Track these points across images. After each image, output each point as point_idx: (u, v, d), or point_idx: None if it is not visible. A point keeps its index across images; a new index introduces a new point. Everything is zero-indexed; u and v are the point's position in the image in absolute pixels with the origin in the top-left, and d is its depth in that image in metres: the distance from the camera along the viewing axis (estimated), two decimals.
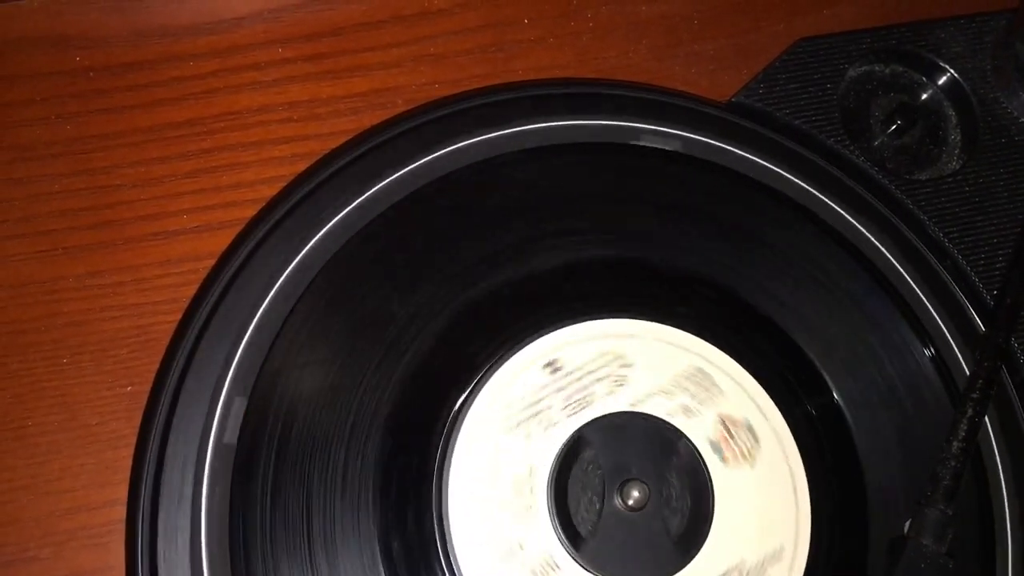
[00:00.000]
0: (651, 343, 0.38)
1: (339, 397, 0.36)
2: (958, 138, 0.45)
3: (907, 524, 0.35)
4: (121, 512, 0.36)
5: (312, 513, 0.34)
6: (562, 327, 0.37)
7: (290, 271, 0.37)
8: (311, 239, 0.38)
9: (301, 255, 0.37)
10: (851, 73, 0.45)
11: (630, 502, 0.35)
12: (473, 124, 0.40)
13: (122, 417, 0.37)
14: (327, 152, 0.41)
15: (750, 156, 0.42)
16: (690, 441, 0.36)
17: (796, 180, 0.42)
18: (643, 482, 0.35)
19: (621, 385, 0.37)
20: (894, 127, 0.44)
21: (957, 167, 0.44)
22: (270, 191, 0.40)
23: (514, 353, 0.37)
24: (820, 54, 0.45)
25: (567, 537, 0.34)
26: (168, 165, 0.41)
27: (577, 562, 0.34)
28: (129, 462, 0.36)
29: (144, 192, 0.40)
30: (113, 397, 0.37)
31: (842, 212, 0.42)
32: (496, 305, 0.38)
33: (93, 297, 0.39)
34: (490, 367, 0.36)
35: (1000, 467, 0.38)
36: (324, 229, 0.38)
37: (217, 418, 0.35)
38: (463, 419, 0.36)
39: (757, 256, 0.40)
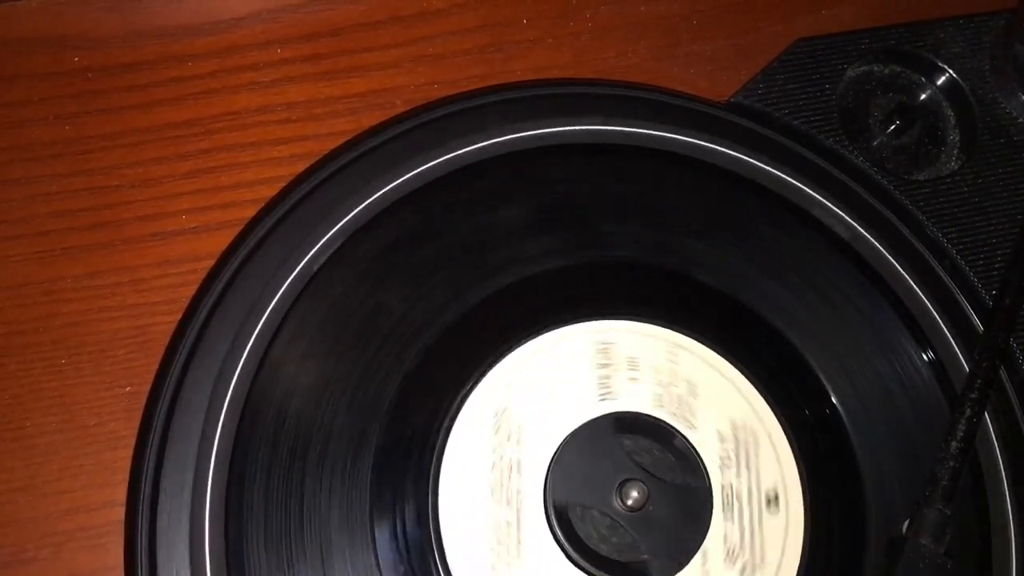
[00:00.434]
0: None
1: (338, 396, 0.36)
2: (957, 138, 0.45)
3: (905, 524, 0.35)
4: (120, 513, 0.36)
5: (311, 512, 0.34)
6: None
7: (289, 271, 0.37)
8: (310, 240, 0.38)
9: (300, 255, 0.37)
10: (850, 73, 0.45)
11: (629, 502, 0.35)
12: (472, 124, 0.40)
13: (121, 418, 0.37)
14: (326, 153, 0.41)
15: (748, 157, 0.42)
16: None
17: (794, 180, 0.42)
18: (641, 482, 0.35)
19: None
20: (893, 127, 0.44)
21: (956, 167, 0.44)
22: (269, 191, 0.40)
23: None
24: (819, 54, 0.45)
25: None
26: (167, 166, 0.41)
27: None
28: (128, 463, 0.36)
29: (143, 193, 0.40)
30: (112, 398, 0.37)
31: (840, 212, 0.41)
32: (498, 305, 0.38)
33: (91, 298, 0.39)
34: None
35: (999, 467, 0.38)
36: (323, 229, 0.38)
37: (215, 418, 0.35)
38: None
39: (753, 257, 0.40)
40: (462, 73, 0.43)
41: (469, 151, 0.40)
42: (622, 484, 0.35)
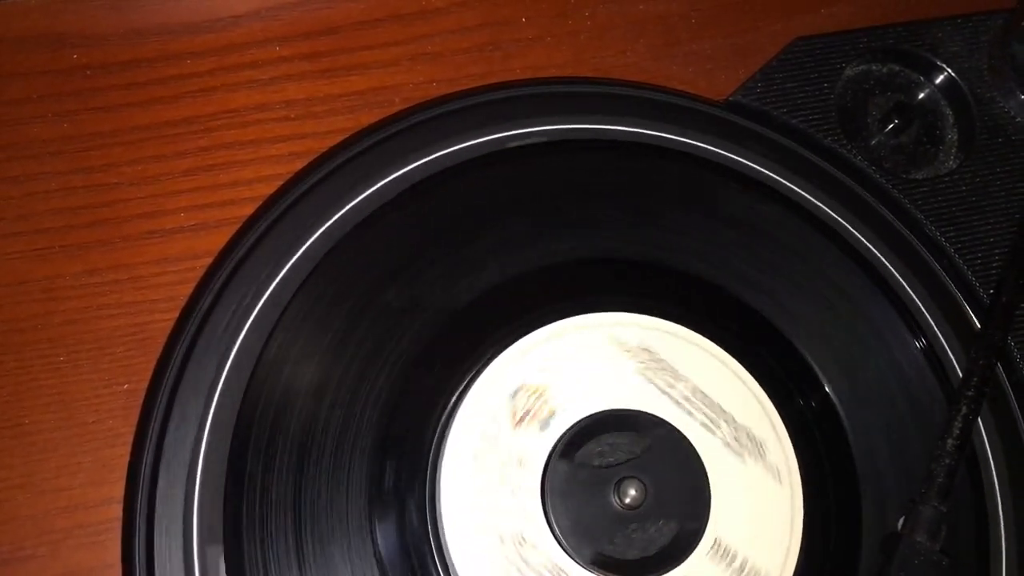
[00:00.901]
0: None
1: (337, 393, 0.36)
2: (955, 137, 0.45)
3: (901, 521, 0.35)
4: (118, 510, 0.36)
5: (308, 509, 0.34)
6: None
7: (287, 269, 0.37)
8: (308, 237, 0.38)
9: (298, 253, 0.37)
10: (848, 72, 0.45)
11: (627, 500, 0.35)
12: (470, 123, 0.40)
13: (119, 415, 0.37)
14: (324, 151, 0.41)
15: (747, 155, 0.42)
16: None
17: (793, 179, 0.42)
18: (640, 480, 0.35)
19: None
20: (891, 126, 0.45)
21: (954, 166, 0.44)
22: (267, 189, 0.40)
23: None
24: (817, 53, 0.45)
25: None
26: (165, 163, 0.41)
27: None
28: (126, 460, 0.36)
29: (141, 190, 0.40)
30: (110, 395, 0.37)
31: (839, 211, 0.42)
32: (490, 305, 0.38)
33: (90, 295, 0.39)
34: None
35: (994, 465, 0.38)
36: (321, 227, 0.38)
37: (213, 415, 0.35)
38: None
39: (752, 254, 0.40)
40: (461, 71, 0.43)
41: (468, 149, 0.40)
42: (619, 482, 0.35)
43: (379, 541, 0.34)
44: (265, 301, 0.37)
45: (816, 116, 0.44)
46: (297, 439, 0.35)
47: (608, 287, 0.39)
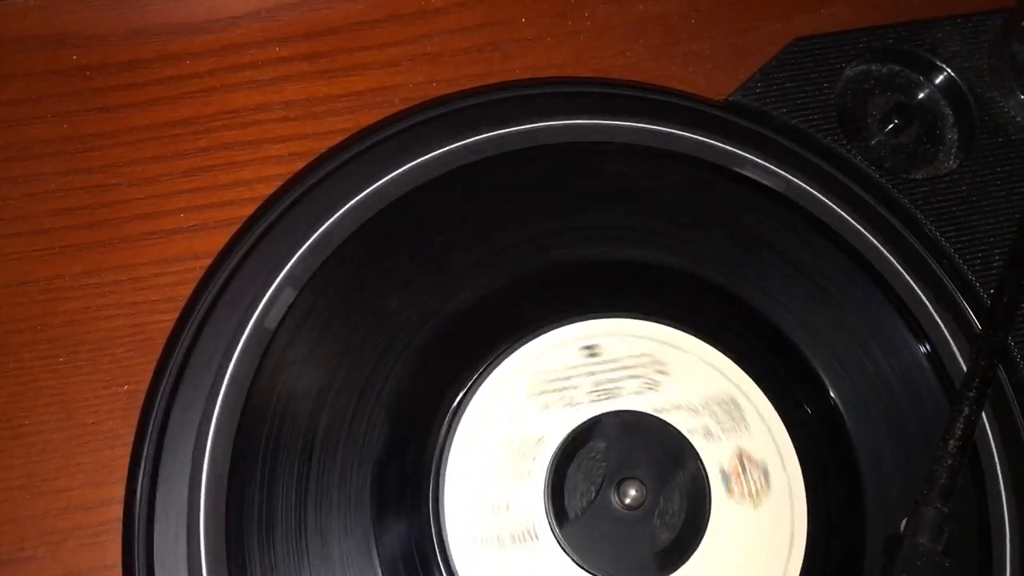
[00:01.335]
0: (692, 359, 0.38)
1: (338, 394, 0.36)
2: (955, 137, 0.45)
3: (903, 523, 0.35)
4: (118, 511, 0.36)
5: (310, 510, 0.34)
6: (609, 317, 0.37)
7: (287, 270, 0.37)
8: (308, 238, 0.38)
9: (298, 254, 0.37)
10: (848, 72, 0.45)
11: (626, 500, 0.35)
12: (470, 123, 0.40)
13: (119, 416, 0.37)
14: (324, 151, 0.41)
15: (747, 155, 0.42)
16: (702, 463, 0.36)
17: (793, 179, 0.42)
18: (643, 484, 0.35)
19: (652, 388, 0.37)
20: (891, 126, 0.45)
21: (954, 166, 0.44)
22: (267, 190, 0.40)
23: (555, 328, 0.37)
24: (817, 53, 0.45)
25: (554, 513, 0.34)
26: (165, 164, 0.41)
27: (556, 539, 0.34)
28: (126, 461, 0.36)
29: (141, 191, 0.40)
30: (110, 396, 0.37)
31: (839, 211, 0.42)
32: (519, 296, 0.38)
33: (90, 296, 0.39)
34: (531, 334, 0.37)
35: (997, 466, 0.38)
36: (321, 228, 0.38)
37: (214, 417, 0.35)
38: (491, 374, 0.36)
39: (753, 255, 0.40)
40: (460, 72, 0.43)
41: (467, 150, 0.40)
42: (622, 481, 0.35)
43: (382, 543, 0.34)
44: (265, 301, 0.36)
45: (816, 116, 0.44)
46: (299, 440, 0.35)
47: (603, 291, 0.39)
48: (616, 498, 0.35)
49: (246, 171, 0.41)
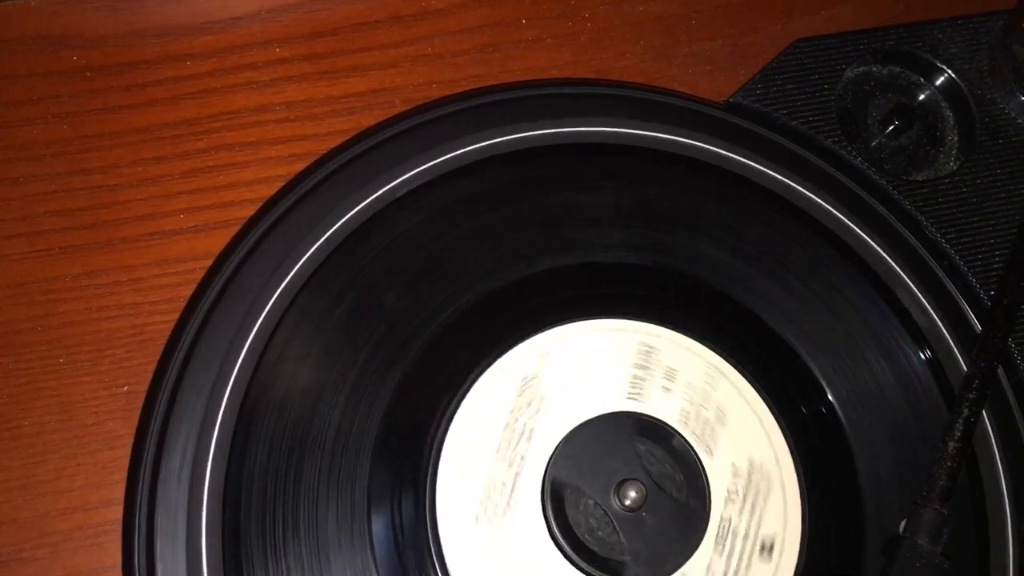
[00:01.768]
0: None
1: (337, 394, 0.36)
2: (955, 139, 0.45)
3: (903, 524, 0.35)
4: (118, 512, 0.36)
5: (309, 509, 0.34)
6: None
7: (287, 271, 0.37)
8: (308, 239, 0.38)
9: (298, 255, 0.37)
10: (848, 74, 0.45)
11: (627, 502, 0.35)
12: (471, 124, 0.40)
13: (119, 417, 0.37)
14: (324, 152, 0.41)
15: (747, 157, 0.42)
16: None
17: (793, 181, 0.42)
18: (642, 484, 0.35)
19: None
20: (891, 128, 0.45)
21: (954, 168, 0.44)
22: (267, 191, 0.40)
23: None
24: (818, 55, 0.45)
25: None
26: (165, 165, 0.41)
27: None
28: (125, 462, 0.36)
29: (141, 192, 0.40)
30: (110, 397, 0.37)
31: (839, 213, 0.41)
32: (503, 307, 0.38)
33: (90, 297, 0.39)
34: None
35: (997, 467, 0.38)
36: (321, 229, 0.38)
37: (214, 418, 0.35)
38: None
39: (752, 257, 0.40)
40: (461, 73, 0.43)
41: (467, 151, 0.40)
42: (623, 482, 0.35)
43: (377, 542, 0.34)
44: (265, 303, 0.36)
45: (817, 118, 0.44)
46: (298, 440, 0.35)
47: (600, 292, 0.39)
48: (619, 503, 0.35)
49: (246, 172, 0.41)
